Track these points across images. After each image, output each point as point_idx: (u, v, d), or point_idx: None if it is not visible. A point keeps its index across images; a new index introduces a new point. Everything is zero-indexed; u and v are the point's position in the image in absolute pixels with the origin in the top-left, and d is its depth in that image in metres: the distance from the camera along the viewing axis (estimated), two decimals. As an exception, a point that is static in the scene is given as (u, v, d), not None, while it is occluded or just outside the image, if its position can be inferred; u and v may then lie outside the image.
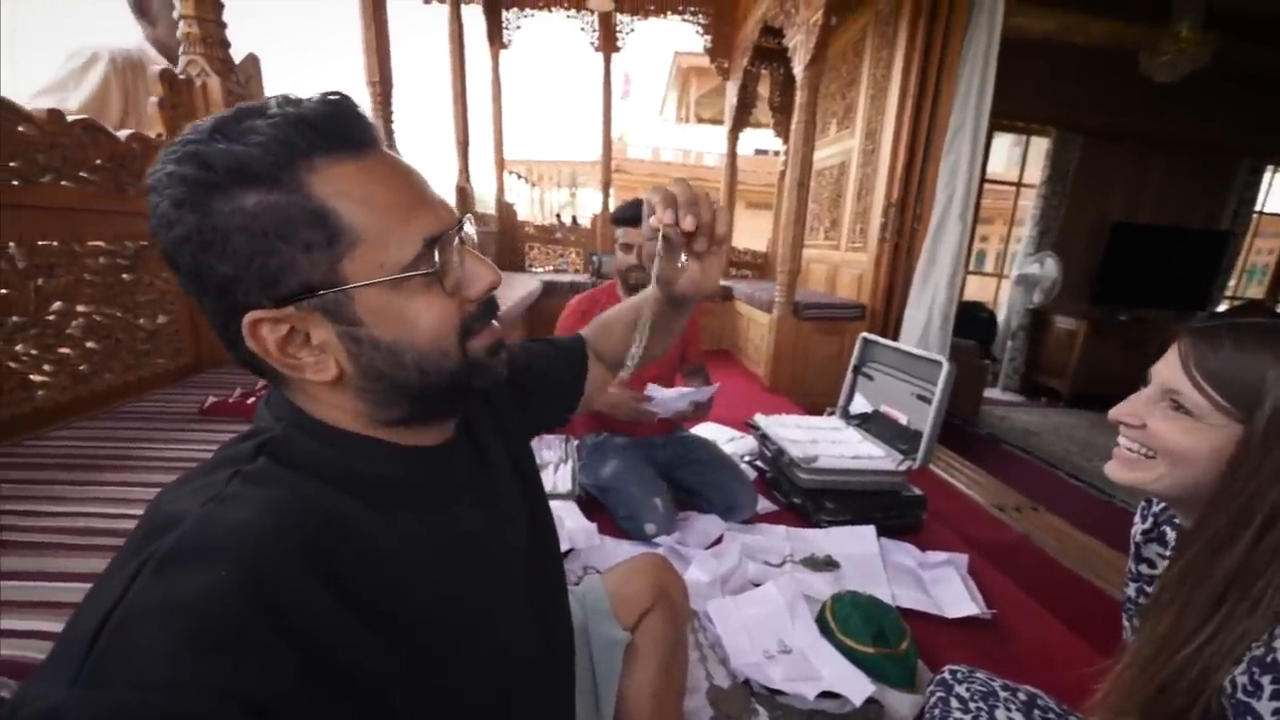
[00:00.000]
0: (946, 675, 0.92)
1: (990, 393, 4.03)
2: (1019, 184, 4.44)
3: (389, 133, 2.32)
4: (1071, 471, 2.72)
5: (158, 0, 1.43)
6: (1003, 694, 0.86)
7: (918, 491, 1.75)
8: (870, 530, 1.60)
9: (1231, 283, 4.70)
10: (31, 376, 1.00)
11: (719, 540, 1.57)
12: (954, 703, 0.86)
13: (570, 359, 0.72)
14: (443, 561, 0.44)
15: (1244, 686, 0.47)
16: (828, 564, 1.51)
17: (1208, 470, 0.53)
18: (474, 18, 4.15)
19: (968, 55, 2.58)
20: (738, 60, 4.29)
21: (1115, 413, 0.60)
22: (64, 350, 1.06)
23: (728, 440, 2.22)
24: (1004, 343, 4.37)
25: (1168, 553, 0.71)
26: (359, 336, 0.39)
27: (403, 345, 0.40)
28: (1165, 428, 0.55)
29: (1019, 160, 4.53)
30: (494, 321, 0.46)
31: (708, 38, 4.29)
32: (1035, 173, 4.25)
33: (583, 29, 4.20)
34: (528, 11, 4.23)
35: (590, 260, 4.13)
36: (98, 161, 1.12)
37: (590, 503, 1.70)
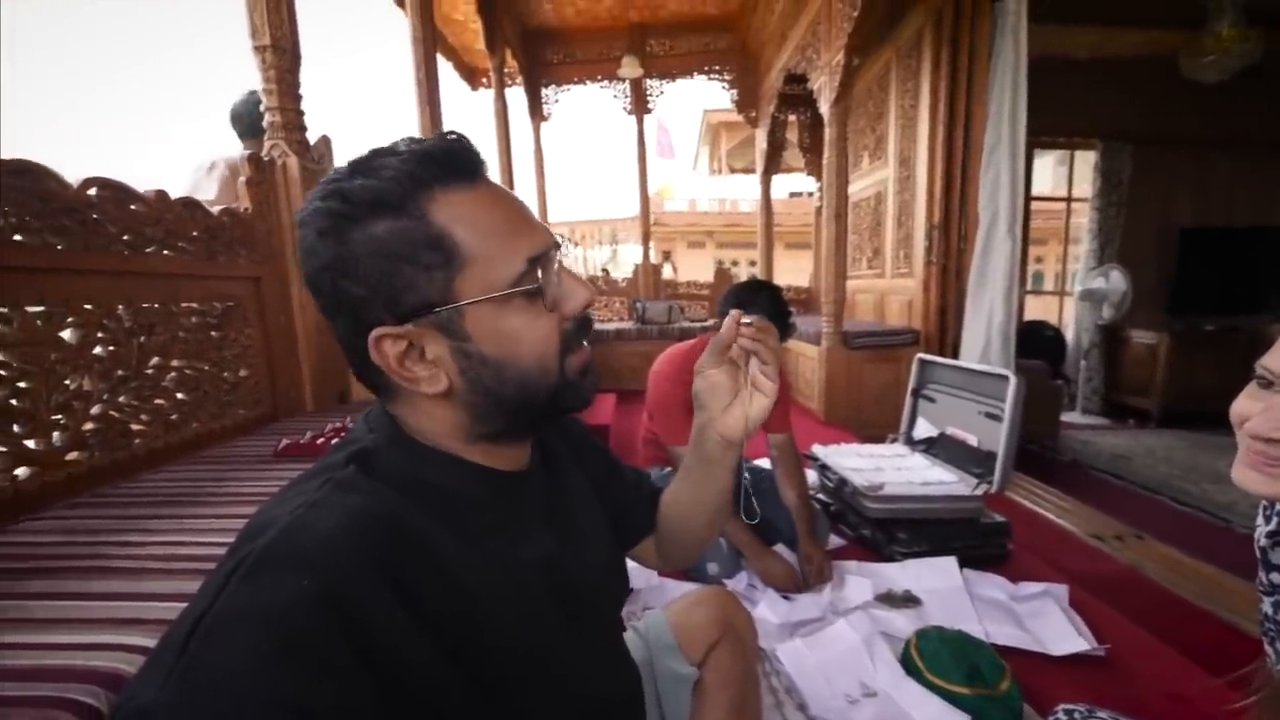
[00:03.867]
0: (1062, 715, 0.81)
1: (1069, 416, 3.73)
2: (1069, 199, 4.28)
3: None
4: (1175, 496, 2.44)
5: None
6: (1132, 734, 0.75)
7: (1000, 518, 1.61)
8: (951, 561, 1.47)
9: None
10: (131, 425, 1.10)
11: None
12: (1078, 748, 0.75)
13: (644, 501, 0.68)
14: (515, 586, 0.44)
15: None
16: (907, 600, 1.38)
17: None
18: (516, 96, 4.54)
19: (996, 76, 2.58)
20: (764, 108, 4.46)
21: (1255, 427, 0.52)
22: (159, 401, 1.16)
23: (784, 474, 2.13)
24: (1077, 363, 4.07)
25: None
26: (469, 351, 0.41)
27: (507, 361, 0.42)
28: None
29: (1065, 179, 4.40)
30: (585, 343, 0.47)
31: (734, 91, 4.50)
32: (1084, 188, 4.10)
33: (615, 96, 4.50)
34: (565, 87, 4.59)
35: (634, 307, 4.22)
36: (194, 233, 1.27)
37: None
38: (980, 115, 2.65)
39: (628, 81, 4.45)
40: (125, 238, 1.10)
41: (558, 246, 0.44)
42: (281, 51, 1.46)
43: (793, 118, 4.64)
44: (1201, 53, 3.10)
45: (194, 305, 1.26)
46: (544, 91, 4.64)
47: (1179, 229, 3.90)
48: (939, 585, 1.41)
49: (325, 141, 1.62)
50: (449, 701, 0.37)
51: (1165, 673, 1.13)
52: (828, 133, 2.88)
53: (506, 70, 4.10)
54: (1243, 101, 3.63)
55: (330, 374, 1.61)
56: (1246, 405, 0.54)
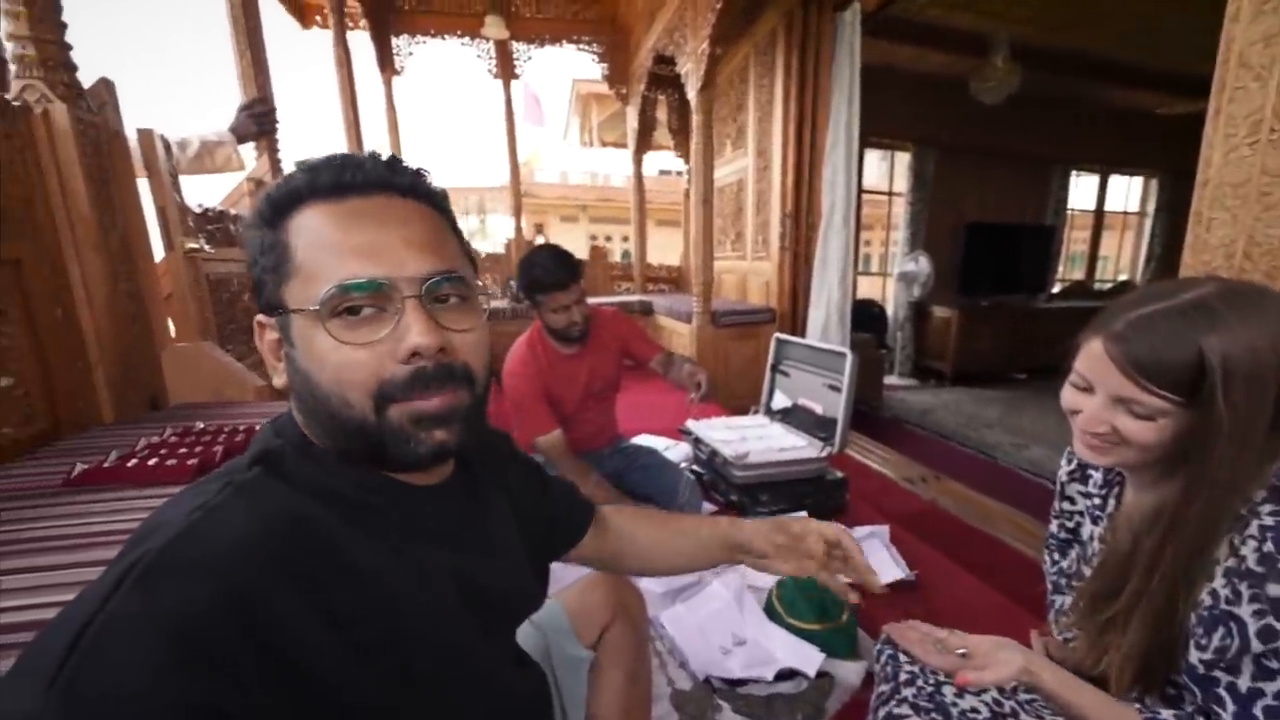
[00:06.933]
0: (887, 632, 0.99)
1: (889, 379, 4.44)
2: (890, 193, 4.98)
3: (274, 163, 2.16)
4: (962, 441, 3.05)
5: None
6: (938, 640, 0.95)
7: (840, 474, 1.89)
8: (802, 516, 1.70)
9: (1061, 268, 5.57)
10: None
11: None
12: (902, 657, 0.94)
13: (574, 513, 0.75)
14: (429, 587, 0.45)
15: (1226, 597, 0.52)
16: (768, 554, 1.58)
17: (1170, 446, 0.59)
18: (364, 45, 4.00)
19: (836, 82, 2.88)
20: (635, 86, 4.48)
21: (1082, 423, 0.64)
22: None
23: (664, 449, 2.26)
24: (895, 334, 4.83)
25: (1090, 489, 0.81)
26: (293, 358, 0.43)
27: (313, 377, 0.42)
28: (1136, 430, 0.59)
29: (887, 173, 5.10)
30: (438, 392, 0.43)
31: (604, 65, 4.44)
32: (902, 183, 4.80)
33: (479, 56, 4.19)
34: (419, 38, 4.15)
35: (508, 286, 4.06)
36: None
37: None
38: (825, 116, 2.95)
39: (492, 42, 4.16)
40: None
41: (432, 279, 0.42)
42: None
43: (662, 97, 4.72)
44: (984, 79, 3.76)
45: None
46: (395, 41, 4.15)
47: (966, 223, 4.75)
48: (793, 538, 1.63)
49: (107, 86, 1.28)
50: (363, 703, 0.37)
51: (957, 588, 1.44)
52: (695, 119, 2.99)
53: (347, 11, 3.59)
54: (1011, 120, 4.48)
55: (138, 377, 1.33)
56: (1071, 399, 0.66)
